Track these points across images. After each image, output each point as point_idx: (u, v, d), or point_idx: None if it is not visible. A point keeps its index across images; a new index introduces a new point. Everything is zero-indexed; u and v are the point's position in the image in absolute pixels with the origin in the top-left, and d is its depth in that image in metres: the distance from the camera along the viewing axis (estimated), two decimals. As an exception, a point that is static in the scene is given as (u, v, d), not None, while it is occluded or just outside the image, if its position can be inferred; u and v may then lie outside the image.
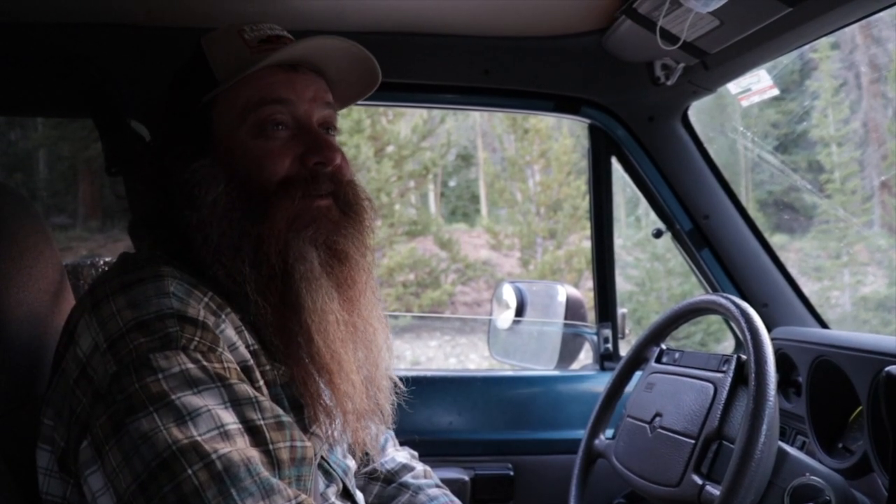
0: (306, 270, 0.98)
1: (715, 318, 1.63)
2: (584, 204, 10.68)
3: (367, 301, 1.06)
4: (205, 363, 0.86)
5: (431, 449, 1.59)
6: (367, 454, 1.13)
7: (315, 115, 1.05)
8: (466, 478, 1.73)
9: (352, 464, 1.16)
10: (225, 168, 1.00)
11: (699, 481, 1.19)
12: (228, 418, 0.84)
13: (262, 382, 0.94)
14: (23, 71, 1.53)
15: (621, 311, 1.94)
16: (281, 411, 0.90)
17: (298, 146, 1.02)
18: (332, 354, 0.98)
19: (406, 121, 11.74)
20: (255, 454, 0.83)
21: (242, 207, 0.98)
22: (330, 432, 1.01)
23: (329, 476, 1.06)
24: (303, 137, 1.02)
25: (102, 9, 1.47)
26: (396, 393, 1.12)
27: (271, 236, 0.97)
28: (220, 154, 1.01)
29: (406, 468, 1.30)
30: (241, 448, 0.82)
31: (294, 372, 0.98)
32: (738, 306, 1.26)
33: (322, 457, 1.05)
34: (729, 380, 1.25)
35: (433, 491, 1.27)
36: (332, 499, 1.05)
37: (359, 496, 1.14)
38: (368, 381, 1.05)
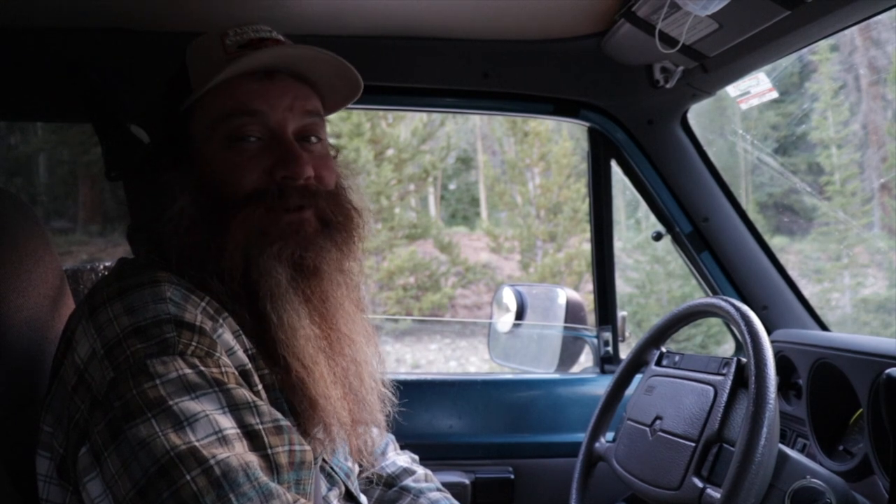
0: (271, 286, 0.95)
1: (715, 321, 1.63)
2: (584, 207, 10.68)
3: (346, 315, 1.03)
4: (202, 368, 0.86)
5: (432, 452, 1.59)
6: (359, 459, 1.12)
7: (291, 124, 1.02)
8: (467, 481, 1.73)
9: (354, 466, 1.16)
10: (195, 179, 0.99)
11: (700, 484, 1.18)
12: (226, 423, 0.84)
13: (260, 386, 0.94)
14: (23, 76, 1.53)
15: (621, 313, 1.94)
16: (279, 415, 0.90)
17: (268, 158, 0.99)
18: (305, 369, 0.96)
19: (406, 124, 11.75)
20: (253, 459, 0.83)
21: (206, 220, 0.97)
22: (325, 437, 1.00)
23: (331, 479, 1.06)
24: (274, 149, 1.00)
25: (102, 14, 1.47)
26: (394, 399, 1.12)
27: (230, 249, 0.95)
28: (193, 164, 1.00)
29: (407, 472, 1.30)
30: (239, 453, 0.82)
31: (283, 379, 0.97)
32: (737, 309, 1.26)
33: (324, 460, 1.05)
34: (729, 383, 1.25)
35: (434, 495, 1.27)
36: (335, 502, 1.05)
37: (362, 499, 1.14)
38: (351, 394, 1.03)
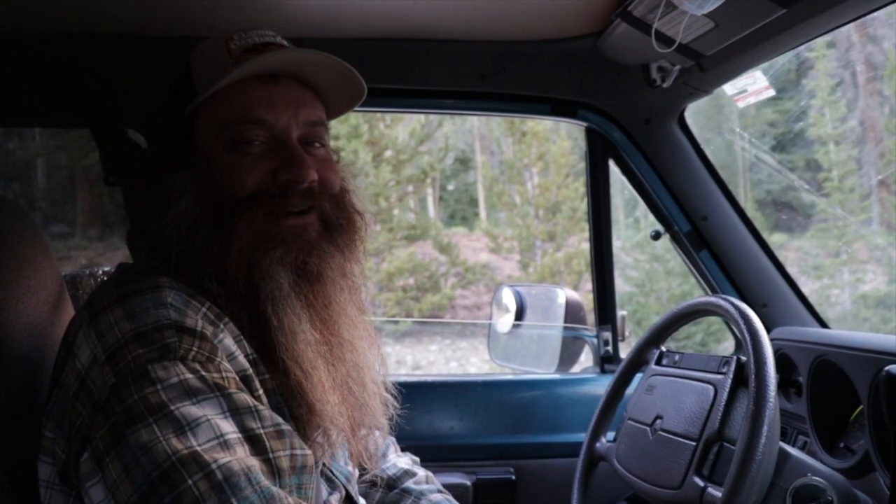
0: (272, 289, 0.96)
1: (715, 319, 1.63)
2: (583, 206, 10.68)
3: (348, 319, 1.04)
4: (203, 373, 0.86)
5: (433, 454, 1.59)
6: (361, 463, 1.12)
7: (295, 130, 1.03)
8: (468, 483, 1.73)
9: (354, 470, 1.16)
10: (198, 181, 0.99)
11: (701, 483, 1.19)
12: (228, 428, 0.84)
13: (261, 391, 0.94)
14: (21, 81, 1.53)
15: (621, 313, 1.94)
16: (280, 420, 0.90)
17: (272, 161, 1.00)
18: (304, 374, 0.96)
19: (404, 125, 11.75)
20: (255, 463, 0.83)
21: (209, 222, 0.97)
22: (325, 441, 1.00)
23: (331, 483, 1.06)
24: (278, 153, 1.00)
25: (99, 19, 1.47)
26: (395, 402, 1.12)
27: (234, 252, 0.95)
28: (197, 167, 1.00)
29: (408, 474, 1.30)
30: (241, 457, 0.82)
31: (282, 383, 0.97)
32: (737, 308, 1.27)
33: (324, 464, 1.05)
34: (729, 381, 1.25)
35: (435, 496, 1.27)
36: (334, 506, 1.05)
37: (362, 502, 1.14)
38: (352, 398, 1.03)
